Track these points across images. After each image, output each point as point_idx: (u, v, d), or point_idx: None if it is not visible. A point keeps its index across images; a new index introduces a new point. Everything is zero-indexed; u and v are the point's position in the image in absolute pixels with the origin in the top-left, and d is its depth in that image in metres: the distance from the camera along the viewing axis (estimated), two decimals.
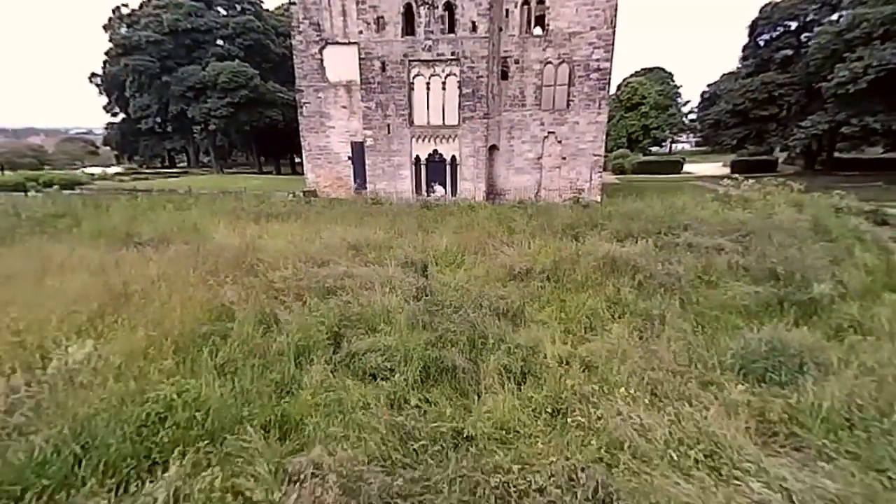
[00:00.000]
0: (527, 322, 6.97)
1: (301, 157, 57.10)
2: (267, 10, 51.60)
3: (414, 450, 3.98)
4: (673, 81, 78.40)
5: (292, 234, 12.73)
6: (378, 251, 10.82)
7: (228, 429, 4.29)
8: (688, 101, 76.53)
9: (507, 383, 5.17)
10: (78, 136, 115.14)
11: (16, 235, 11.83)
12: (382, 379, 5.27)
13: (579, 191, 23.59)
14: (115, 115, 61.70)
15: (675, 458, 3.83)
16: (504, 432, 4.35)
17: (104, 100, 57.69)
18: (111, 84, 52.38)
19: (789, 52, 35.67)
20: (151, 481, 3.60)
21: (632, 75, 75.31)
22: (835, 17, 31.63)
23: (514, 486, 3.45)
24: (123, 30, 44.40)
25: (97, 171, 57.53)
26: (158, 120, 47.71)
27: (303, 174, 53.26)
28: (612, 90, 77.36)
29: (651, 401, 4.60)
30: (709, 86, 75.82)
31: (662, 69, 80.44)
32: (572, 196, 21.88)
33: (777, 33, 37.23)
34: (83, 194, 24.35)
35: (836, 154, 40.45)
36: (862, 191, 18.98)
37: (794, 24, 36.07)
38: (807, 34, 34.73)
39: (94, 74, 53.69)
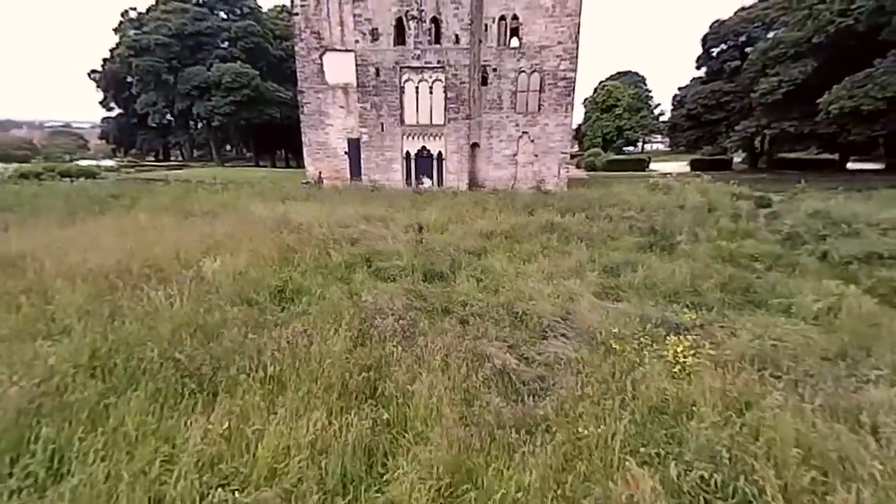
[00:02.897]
0: (486, 257, 10.80)
1: (293, 152, 59.97)
2: (263, 13, 54.65)
3: (423, 296, 7.77)
4: (645, 85, 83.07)
5: (314, 210, 16.35)
6: (383, 221, 14.56)
7: (319, 293, 7.98)
8: (658, 104, 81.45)
9: (471, 280, 8.97)
10: (64, 129, 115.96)
11: (100, 209, 15.21)
12: (400, 278, 9.01)
13: (541, 181, 27.57)
14: (110, 109, 63.88)
15: (552, 298, 7.68)
16: (468, 296, 8.14)
17: (90, 95, 59.96)
18: (110, 81, 54.75)
19: (736, 63, 40.45)
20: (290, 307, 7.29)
21: (607, 79, 79.70)
22: (770, 34, 36.39)
23: (470, 304, 7.29)
24: (132, 32, 47.05)
25: (91, 163, 59.69)
26: (163, 116, 50.46)
27: (296, 168, 56.21)
28: (590, 93, 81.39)
29: (547, 281, 8.47)
30: (680, 89, 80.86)
31: (636, 73, 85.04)
32: (535, 185, 25.83)
33: (726, 46, 42.01)
34: (114, 182, 27.32)
35: (782, 154, 45.76)
36: (772, 183, 23.38)
37: (741, 39, 40.87)
38: (749, 48, 39.50)
39: (93, 71, 55.95)
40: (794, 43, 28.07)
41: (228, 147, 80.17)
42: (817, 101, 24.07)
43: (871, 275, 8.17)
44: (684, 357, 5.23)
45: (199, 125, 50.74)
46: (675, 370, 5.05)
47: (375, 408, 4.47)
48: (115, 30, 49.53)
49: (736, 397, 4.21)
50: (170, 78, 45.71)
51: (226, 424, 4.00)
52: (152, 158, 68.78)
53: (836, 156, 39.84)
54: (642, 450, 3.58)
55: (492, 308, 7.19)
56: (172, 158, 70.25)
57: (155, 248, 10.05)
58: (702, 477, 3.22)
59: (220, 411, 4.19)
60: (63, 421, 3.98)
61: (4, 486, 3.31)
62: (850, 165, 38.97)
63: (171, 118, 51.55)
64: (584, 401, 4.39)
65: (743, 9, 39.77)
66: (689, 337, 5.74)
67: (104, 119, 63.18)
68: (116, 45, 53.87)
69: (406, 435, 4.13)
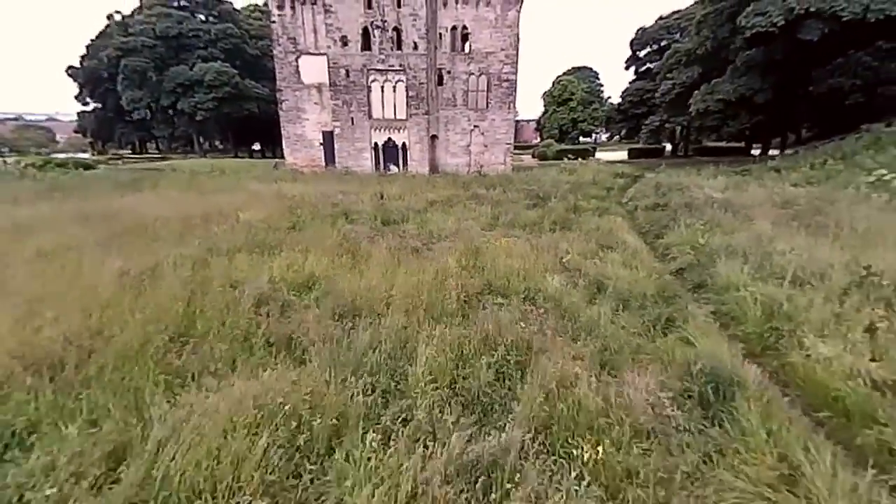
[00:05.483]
0: (426, 213, 16.23)
1: (270, 144, 63.79)
2: (238, 12, 58.11)
3: (381, 231, 13.16)
4: (598, 79, 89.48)
5: (301, 188, 21.41)
6: (356, 193, 19.81)
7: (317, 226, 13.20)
8: (609, 98, 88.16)
9: (413, 224, 14.37)
10: (17, 121, 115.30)
11: (133, 188, 19.86)
12: (367, 223, 14.32)
13: (481, 167, 33.31)
14: (85, 104, 66.04)
15: (448, 229, 13.16)
16: (409, 230, 13.52)
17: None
18: (88, 77, 57.34)
19: (656, 65, 47.04)
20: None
21: (563, 74, 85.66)
22: (685, 41, 43.02)
23: (409, 232, 12.75)
24: (118, 34, 49.98)
25: (68, 156, 62.03)
26: (148, 111, 53.86)
27: (274, 158, 60.05)
28: (548, 86, 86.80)
29: (456, 221, 13.98)
30: (630, 83, 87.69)
31: (589, 68, 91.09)
32: (476, 170, 31.49)
33: (650, 50, 48.55)
34: (123, 171, 31.32)
35: (708, 143, 53.02)
36: (678, 167, 29.77)
37: (662, 44, 47.46)
38: (668, 52, 46.19)
39: (70, 67, 58.33)
40: (686, 53, 34.56)
41: (208, 140, 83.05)
42: (688, 102, 30.64)
43: (644, 216, 14.03)
44: (502, 244, 10.81)
45: (181, 119, 54.10)
46: (494, 247, 10.62)
47: (353, 258, 9.85)
48: (102, 34, 52.30)
49: (507, 249, 9.79)
50: (154, 76, 49.15)
51: (287, 262, 9.29)
52: (129, 151, 71.11)
53: (742, 144, 47.13)
54: (459, 259, 9.12)
55: (420, 234, 12.64)
56: (150, 151, 72.72)
57: (198, 208, 15.05)
58: (477, 264, 8.77)
59: (282, 259, 9.47)
60: (215, 258, 9.21)
61: (203, 272, 8.54)
62: (753, 152, 46.22)
63: (153, 113, 54.78)
64: (445, 256, 9.89)
65: (661, 18, 46.43)
66: (514, 239, 11.36)
67: (81, 113, 65.35)
68: (93, 41, 56.52)
69: (367, 263, 9.52)
